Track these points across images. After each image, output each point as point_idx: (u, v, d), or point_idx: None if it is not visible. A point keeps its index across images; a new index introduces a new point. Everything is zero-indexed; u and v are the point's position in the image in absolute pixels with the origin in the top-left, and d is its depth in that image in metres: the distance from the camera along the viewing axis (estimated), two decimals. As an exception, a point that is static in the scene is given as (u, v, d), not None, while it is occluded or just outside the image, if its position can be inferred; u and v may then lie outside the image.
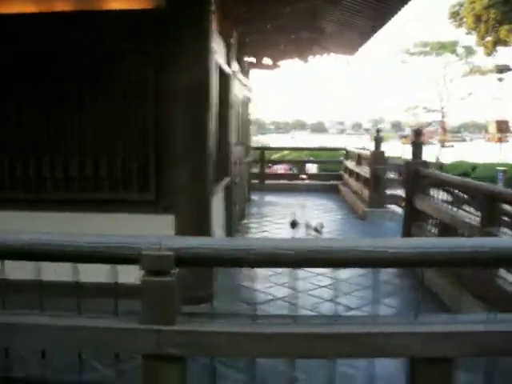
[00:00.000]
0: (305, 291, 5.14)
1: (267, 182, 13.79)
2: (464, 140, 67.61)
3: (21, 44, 4.39)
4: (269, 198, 12.24)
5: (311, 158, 17.19)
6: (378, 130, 9.66)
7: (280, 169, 17.04)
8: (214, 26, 5.49)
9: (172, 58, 4.23)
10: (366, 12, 8.02)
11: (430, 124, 29.57)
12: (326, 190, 13.19)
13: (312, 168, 16.42)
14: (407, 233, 6.32)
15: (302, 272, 5.61)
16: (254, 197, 11.95)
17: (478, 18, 15.23)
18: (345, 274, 5.44)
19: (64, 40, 4.35)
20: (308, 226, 7.87)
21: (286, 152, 21.67)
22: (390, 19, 8.15)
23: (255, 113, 39.44)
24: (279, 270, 5.73)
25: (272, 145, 31.49)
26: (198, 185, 4.39)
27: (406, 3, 7.03)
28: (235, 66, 7.17)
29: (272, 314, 2.34)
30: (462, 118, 70.64)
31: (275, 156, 21.47)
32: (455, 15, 17.30)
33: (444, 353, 2.01)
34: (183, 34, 4.15)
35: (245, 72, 9.76)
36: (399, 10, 7.52)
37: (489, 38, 15.27)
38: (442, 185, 5.46)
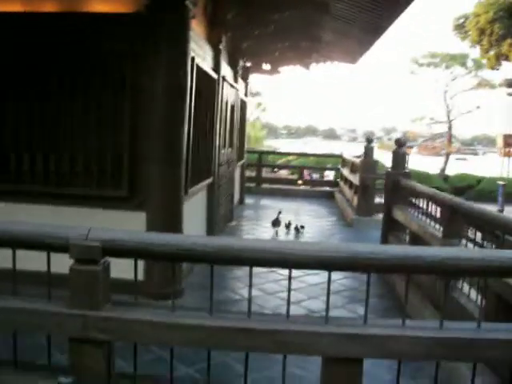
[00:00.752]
0: (274, 293, 5.28)
1: (264, 185, 13.94)
2: (476, 153, 67.29)
3: (3, 42, 4.58)
4: (264, 201, 12.38)
5: (329, 166, 17.02)
6: (369, 140, 9.76)
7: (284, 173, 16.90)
8: (200, 31, 5.67)
9: (150, 60, 4.39)
10: (361, 22, 8.15)
11: (441, 135, 29.35)
12: (322, 197, 13.32)
13: (329, 175, 16.38)
14: (385, 242, 6.43)
15: (275, 275, 5.78)
16: (249, 200, 12.10)
17: (482, 32, 15.25)
18: (316, 279, 5.60)
19: (47, 39, 4.53)
20: (288, 226, 8.23)
21: (291, 157, 21.75)
22: (383, 32, 8.27)
23: (265, 117, 39.28)
24: (254, 271, 5.91)
25: (284, 150, 31.69)
26: (169, 184, 4.54)
27: (397, 18, 7.15)
28: (226, 71, 7.32)
29: (191, 307, 2.48)
30: (474, 130, 70.21)
31: (281, 161, 21.64)
32: (460, 28, 17.34)
33: (352, 353, 2.14)
34: (160, 38, 4.32)
35: (241, 76, 9.92)
36: (392, 22, 7.64)
37: (492, 52, 15.30)
38: (417, 196, 5.57)
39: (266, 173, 18.42)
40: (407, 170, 6.53)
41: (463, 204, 4.16)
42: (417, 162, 28.89)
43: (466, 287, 4.08)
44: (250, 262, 2.08)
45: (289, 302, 2.26)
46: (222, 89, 6.91)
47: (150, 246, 2.08)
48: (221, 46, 6.49)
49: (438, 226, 4.74)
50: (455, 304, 3.96)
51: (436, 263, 1.99)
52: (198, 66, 5.10)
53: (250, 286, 2.18)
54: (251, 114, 30.41)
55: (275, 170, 20.40)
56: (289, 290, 2.27)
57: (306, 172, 16.38)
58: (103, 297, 2.17)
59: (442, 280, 4.29)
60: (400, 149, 6.45)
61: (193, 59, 4.83)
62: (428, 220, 5.08)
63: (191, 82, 4.77)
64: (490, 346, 2.14)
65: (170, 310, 2.18)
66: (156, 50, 4.33)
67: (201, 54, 5.50)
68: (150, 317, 2.17)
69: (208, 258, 2.07)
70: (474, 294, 3.86)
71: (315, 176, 16.62)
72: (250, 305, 2.21)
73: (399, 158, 6.39)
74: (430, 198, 4.99)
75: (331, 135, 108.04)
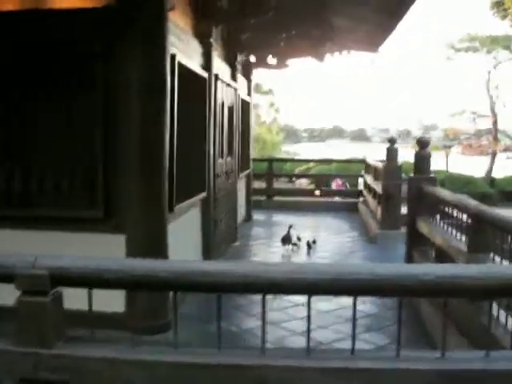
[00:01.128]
0: (277, 323, 5.31)
1: (276, 198, 13.91)
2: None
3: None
4: (275, 217, 12.37)
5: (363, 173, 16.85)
6: (392, 141, 9.75)
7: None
8: (184, 24, 5.79)
9: (122, 59, 4.50)
10: (377, 4, 8.22)
11: (488, 131, 28.86)
12: (345, 209, 13.22)
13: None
14: (409, 259, 6.43)
15: (281, 302, 5.80)
16: (258, 216, 12.12)
17: (523, 8, 15.20)
18: (327, 305, 5.63)
19: (9, 39, 4.67)
20: (298, 242, 8.31)
21: (312, 164, 21.62)
22: (404, 14, 8.31)
23: (283, 119, 39.15)
24: (254, 299, 5.95)
25: (305, 155, 31.65)
26: (149, 200, 4.62)
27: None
28: (220, 68, 7.43)
29: (155, 341, 2.53)
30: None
31: (301, 168, 21.65)
32: (498, 5, 17.25)
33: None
34: (133, 33, 4.43)
35: (242, 73, 10.02)
36: (411, 3, 7.69)
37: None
38: (440, 204, 5.59)
39: (282, 183, 18.50)
40: (432, 175, 6.54)
41: (489, 212, 4.18)
42: (460, 163, 28.64)
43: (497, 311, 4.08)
44: (216, 288, 2.13)
45: (264, 331, 2.32)
46: (216, 89, 7.00)
47: (104, 272, 2.15)
48: (212, 40, 6.59)
49: (464, 239, 4.76)
50: (484, 331, 3.95)
51: (429, 282, 2.03)
52: (180, 64, 5.20)
53: (219, 314, 2.24)
54: (266, 115, 30.54)
55: (293, 179, 20.45)
56: (263, 320, 2.33)
57: (339, 181, 16.29)
58: (55, 331, 2.24)
59: (472, 303, 4.32)
60: (423, 150, 6.45)
61: (173, 56, 4.93)
62: (454, 231, 5.08)
63: (172, 83, 4.87)
64: (501, 378, 2.16)
65: (130, 345, 2.24)
66: (129, 47, 4.43)
67: (185, 50, 5.60)
68: (106, 353, 2.23)
69: (169, 285, 2.14)
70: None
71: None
72: (219, 338, 2.27)
73: (422, 160, 6.39)
74: (455, 206, 5.00)
75: (361, 136, 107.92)
